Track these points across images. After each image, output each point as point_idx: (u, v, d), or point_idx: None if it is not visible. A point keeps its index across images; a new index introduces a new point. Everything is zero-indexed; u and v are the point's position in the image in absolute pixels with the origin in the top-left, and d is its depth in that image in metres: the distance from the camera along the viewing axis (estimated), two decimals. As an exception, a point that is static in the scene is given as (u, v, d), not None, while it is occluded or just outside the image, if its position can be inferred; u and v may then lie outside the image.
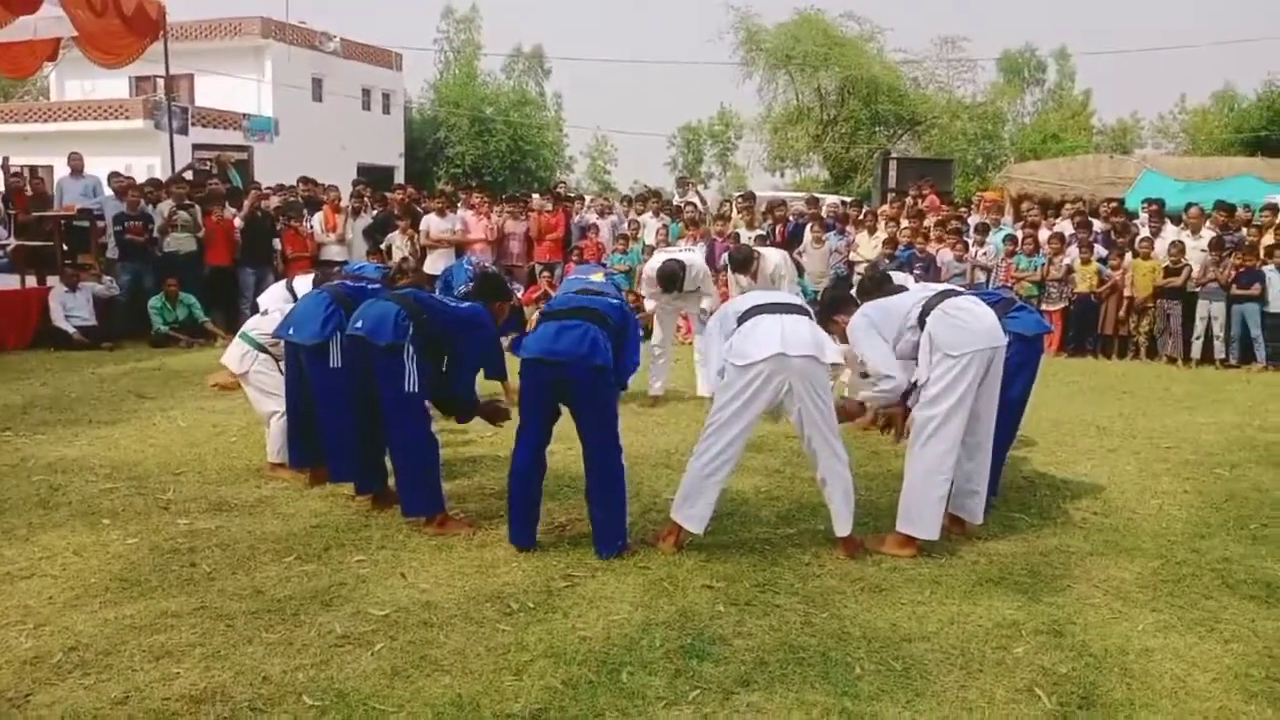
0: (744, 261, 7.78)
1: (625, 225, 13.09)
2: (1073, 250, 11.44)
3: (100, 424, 6.92)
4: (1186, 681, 3.27)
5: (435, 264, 11.28)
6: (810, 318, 4.45)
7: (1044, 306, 11.02)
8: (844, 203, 15.54)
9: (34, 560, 4.22)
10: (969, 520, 4.65)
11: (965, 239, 11.82)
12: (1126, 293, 11.08)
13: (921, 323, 4.42)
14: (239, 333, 5.81)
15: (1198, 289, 10.76)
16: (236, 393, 5.99)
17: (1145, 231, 11.54)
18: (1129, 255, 11.21)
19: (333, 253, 12.00)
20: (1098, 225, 12.13)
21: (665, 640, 3.48)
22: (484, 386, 5.76)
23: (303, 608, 3.73)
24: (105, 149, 21.15)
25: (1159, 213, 11.84)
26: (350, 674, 3.22)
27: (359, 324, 4.57)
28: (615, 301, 4.60)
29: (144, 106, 26.21)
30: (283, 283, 6.32)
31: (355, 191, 13.39)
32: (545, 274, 12.55)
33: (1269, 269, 10.50)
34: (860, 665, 3.33)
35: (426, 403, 4.66)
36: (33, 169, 16.22)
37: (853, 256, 11.93)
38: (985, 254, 11.78)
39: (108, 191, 12.13)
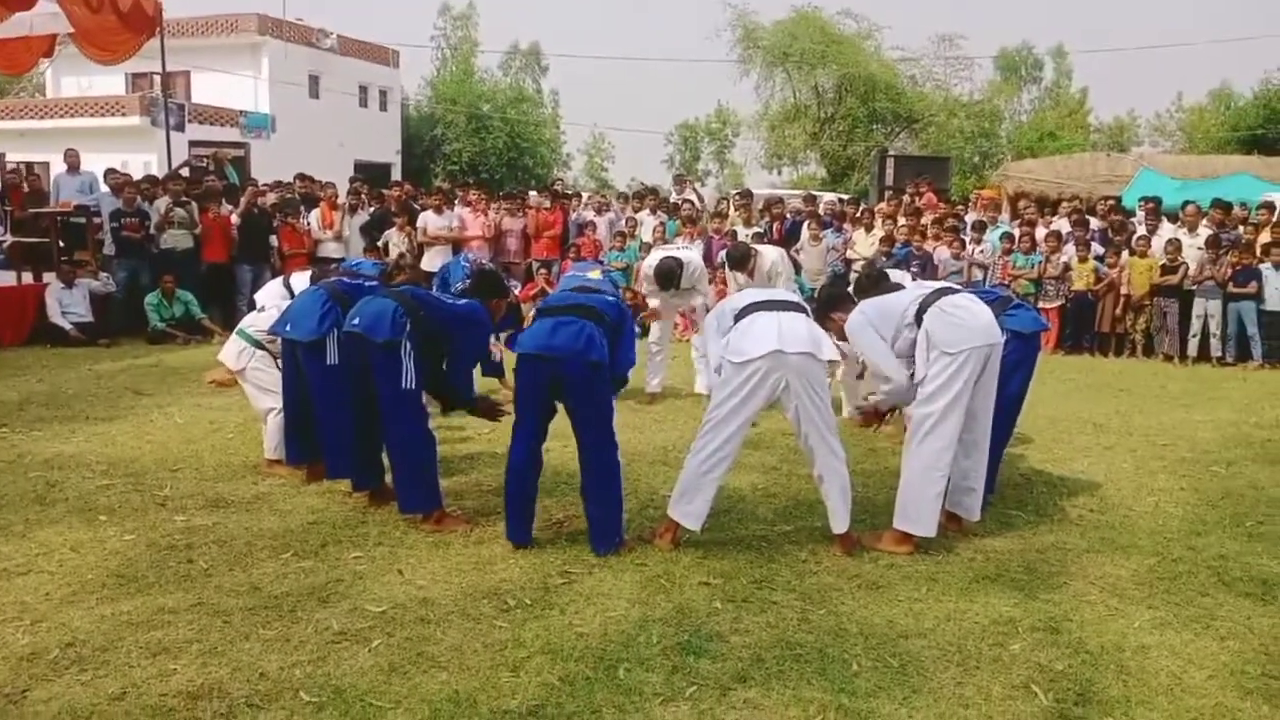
0: (741, 259, 7.78)
1: (622, 222, 13.08)
2: (1069, 248, 11.46)
3: (97, 420, 6.91)
4: (1182, 678, 3.28)
5: (432, 261, 11.27)
6: (807, 315, 4.46)
7: (1041, 304, 11.03)
8: (841, 200, 15.53)
9: (31, 556, 4.22)
10: (966, 517, 4.66)
11: (962, 237, 11.82)
12: (1123, 290, 11.09)
13: (918, 320, 4.42)
14: (236, 329, 5.81)
15: (1194, 287, 10.77)
16: (233, 389, 5.98)
17: (1142, 229, 11.55)
18: (1126, 253, 11.22)
19: (330, 250, 11.99)
20: (1095, 223, 12.15)
21: (662, 637, 3.49)
22: (481, 384, 5.77)
23: (300, 604, 3.74)
24: (102, 146, 21.09)
25: (1156, 211, 11.86)
26: (347, 670, 3.22)
27: (356, 321, 4.57)
28: (611, 299, 4.60)
29: (140, 103, 26.13)
30: (280, 279, 6.32)
31: (352, 188, 13.37)
32: (542, 271, 12.55)
33: (1265, 267, 10.51)
34: (857, 662, 3.34)
35: (424, 399, 4.66)
36: (29, 165, 16.20)
37: (850, 254, 11.92)
38: (982, 252, 11.78)
39: (104, 188, 12.12)
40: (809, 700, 3.07)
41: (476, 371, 5.44)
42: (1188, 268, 10.82)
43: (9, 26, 11.64)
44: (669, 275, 7.36)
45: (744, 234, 11.47)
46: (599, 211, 13.61)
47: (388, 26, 77.13)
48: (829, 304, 4.88)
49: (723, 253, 9.03)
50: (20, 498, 5.07)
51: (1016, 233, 11.87)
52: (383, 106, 35.68)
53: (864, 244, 11.89)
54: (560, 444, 4.82)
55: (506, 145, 38.19)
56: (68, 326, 10.54)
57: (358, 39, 34.40)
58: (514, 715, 2.96)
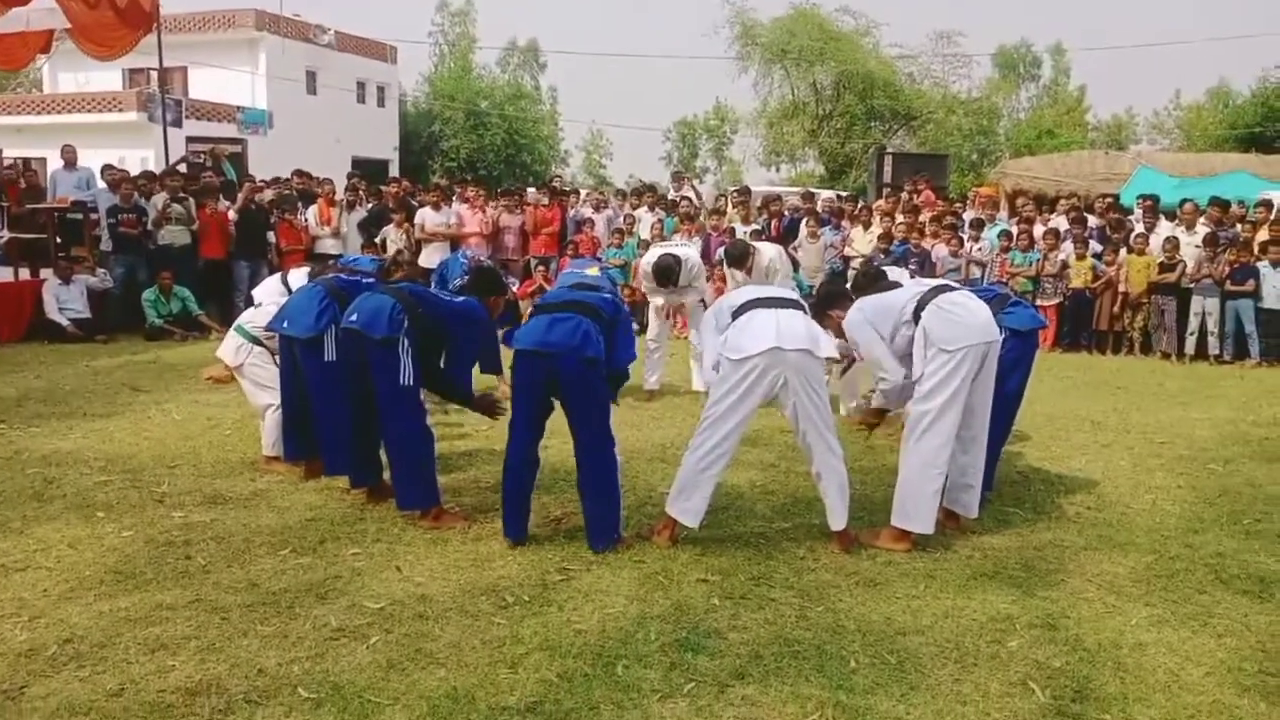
0: (739, 256, 7.78)
1: (621, 219, 13.07)
2: (1068, 246, 11.46)
3: (95, 417, 6.91)
4: (1180, 675, 3.29)
5: (430, 258, 11.26)
6: (805, 312, 4.46)
7: (1039, 302, 11.04)
8: (839, 198, 15.53)
9: (29, 553, 4.22)
10: (964, 514, 4.66)
11: (960, 234, 11.83)
12: (1121, 288, 11.10)
13: (916, 318, 4.42)
14: (234, 325, 5.80)
15: (1192, 285, 10.78)
16: (231, 386, 5.97)
17: (1140, 227, 11.56)
18: (1124, 251, 11.23)
19: (327, 246, 11.98)
20: (1093, 221, 12.15)
21: (660, 634, 3.49)
22: (479, 381, 5.77)
23: (298, 601, 3.74)
24: (99, 141, 21.07)
25: (1154, 209, 11.87)
26: (345, 666, 3.22)
27: (354, 317, 4.57)
28: (608, 295, 4.61)
29: (137, 99, 26.10)
30: (277, 276, 6.31)
31: (350, 185, 13.36)
32: (540, 268, 12.53)
33: (1263, 265, 10.52)
34: (855, 659, 3.34)
35: (422, 396, 4.65)
36: (26, 161, 16.11)
37: (848, 251, 11.93)
38: (980, 249, 11.79)
39: (101, 184, 12.11)
40: (807, 697, 3.08)
41: (475, 368, 5.44)
42: (1185, 266, 10.83)
43: (6, 22, 11.63)
44: (667, 272, 7.36)
45: (742, 231, 11.46)
46: (597, 208, 13.60)
47: (385, 22, 76.92)
48: (827, 301, 4.88)
49: (721, 250, 9.03)
50: (18, 494, 5.07)
51: (1014, 230, 11.87)
52: (380, 103, 35.66)
53: (862, 241, 11.89)
54: (559, 441, 4.82)
55: (504, 142, 38.17)
56: (65, 323, 10.53)
57: (355, 35, 34.37)
58: (512, 712, 2.96)
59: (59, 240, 11.40)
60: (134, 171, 13.47)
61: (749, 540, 4.49)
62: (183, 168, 13.56)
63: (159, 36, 13.52)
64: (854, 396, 6.96)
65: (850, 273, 8.09)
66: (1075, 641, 3.52)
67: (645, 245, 11.09)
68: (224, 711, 2.94)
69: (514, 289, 9.58)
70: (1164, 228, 11.49)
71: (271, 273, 8.66)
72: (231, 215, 11.97)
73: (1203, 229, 11.10)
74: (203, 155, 15.01)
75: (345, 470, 5.05)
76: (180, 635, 3.43)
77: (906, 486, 4.39)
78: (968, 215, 12.67)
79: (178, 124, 21.09)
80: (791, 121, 36.79)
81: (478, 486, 5.28)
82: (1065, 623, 3.67)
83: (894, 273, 5.86)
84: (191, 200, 11.71)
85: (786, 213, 13.06)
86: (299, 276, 5.83)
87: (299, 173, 13.78)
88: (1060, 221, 12.14)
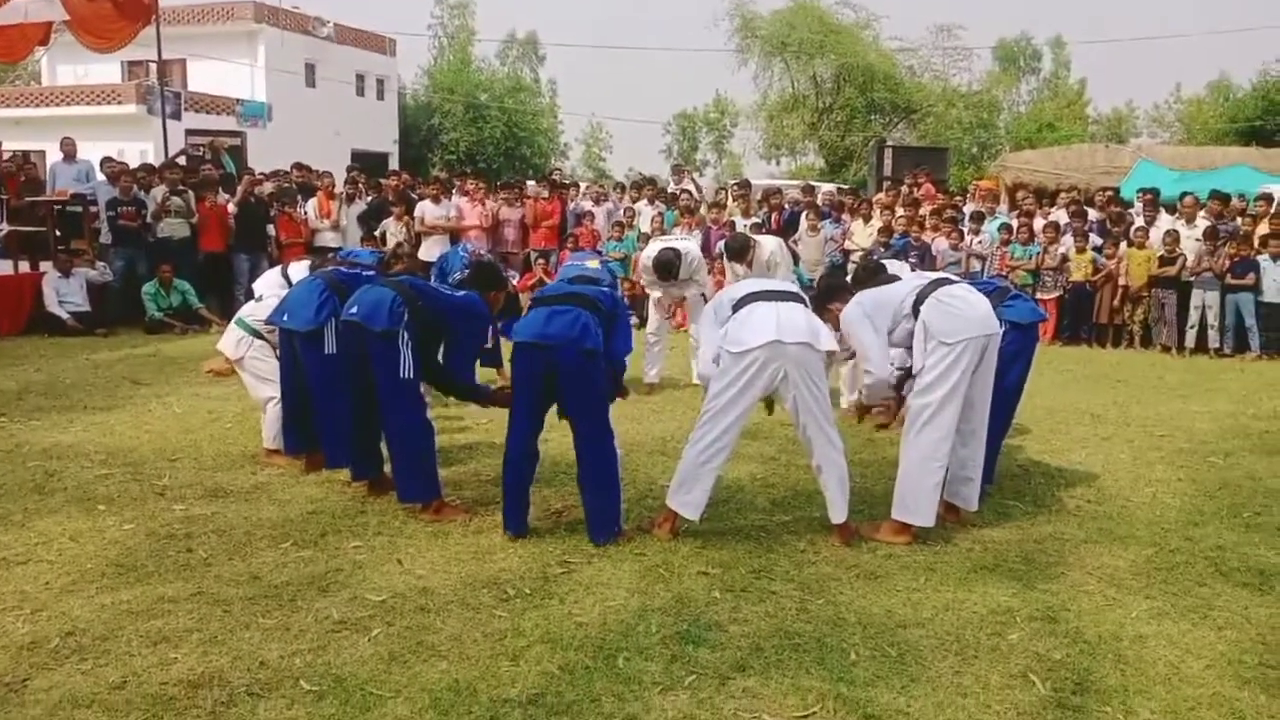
0: (739, 249, 7.77)
1: (621, 213, 13.06)
2: (1068, 239, 11.45)
3: (95, 410, 6.91)
4: (1180, 668, 3.29)
5: (430, 251, 11.25)
6: (806, 305, 4.46)
7: (1039, 295, 11.03)
8: (839, 191, 15.53)
9: (30, 546, 4.22)
10: (964, 507, 4.67)
11: (960, 227, 11.81)
12: (1121, 282, 11.10)
13: (916, 311, 4.42)
14: (234, 319, 5.80)
15: (1192, 278, 10.78)
16: (232, 379, 5.98)
17: (1140, 221, 11.55)
18: (1124, 244, 11.22)
19: (327, 239, 11.98)
20: (1093, 214, 12.14)
21: (661, 626, 3.49)
22: (479, 374, 5.76)
23: (300, 593, 3.74)
24: (98, 134, 20.99)
25: (1154, 202, 11.86)
26: (347, 659, 3.23)
27: (354, 310, 4.57)
28: (607, 288, 4.61)
29: (136, 91, 26.05)
30: (278, 269, 6.31)
31: (350, 178, 13.34)
32: (540, 261, 12.53)
33: (1263, 258, 10.52)
34: (855, 651, 3.35)
35: (422, 388, 4.66)
36: (25, 154, 16.09)
37: (848, 245, 11.93)
38: (980, 242, 11.78)
39: (100, 177, 12.07)
40: (807, 689, 3.08)
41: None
42: (1186, 259, 10.82)
43: (4, 14, 11.59)
44: (667, 266, 7.36)
45: (742, 224, 11.44)
46: (597, 201, 13.58)
47: (384, 15, 76.95)
48: (827, 295, 4.87)
49: (721, 243, 9.02)
50: (19, 487, 5.07)
51: (1015, 224, 11.87)
52: (379, 95, 35.59)
53: (862, 235, 11.89)
54: (559, 434, 4.81)
55: (504, 135, 38.11)
56: (65, 316, 10.52)
57: (354, 27, 34.29)
58: (513, 704, 2.97)
59: (58, 233, 11.38)
60: (133, 164, 13.43)
61: (750, 533, 4.50)
62: (182, 160, 13.52)
63: (158, 29, 13.48)
64: (855, 390, 6.96)
65: (850, 266, 8.09)
66: (1075, 634, 3.52)
67: (645, 238, 11.07)
68: (226, 704, 2.95)
69: (514, 282, 9.58)
70: (1164, 221, 11.49)
71: (271, 266, 8.64)
72: (231, 208, 11.96)
73: (1203, 222, 11.10)
74: (202, 148, 14.97)
75: (346, 463, 5.05)
76: (182, 628, 3.44)
77: (907, 480, 4.40)
78: (968, 208, 12.66)
79: (177, 116, 21.10)
80: (791, 115, 36.78)
81: (478, 479, 5.28)
82: (1065, 615, 3.67)
83: (894, 266, 5.86)
84: (191, 193, 11.69)
85: (787, 206, 13.05)
86: (299, 269, 5.84)
87: (298, 166, 13.76)
88: (1060, 215, 12.13)
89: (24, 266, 11.04)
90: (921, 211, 12.31)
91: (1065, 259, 11.35)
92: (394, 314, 4.46)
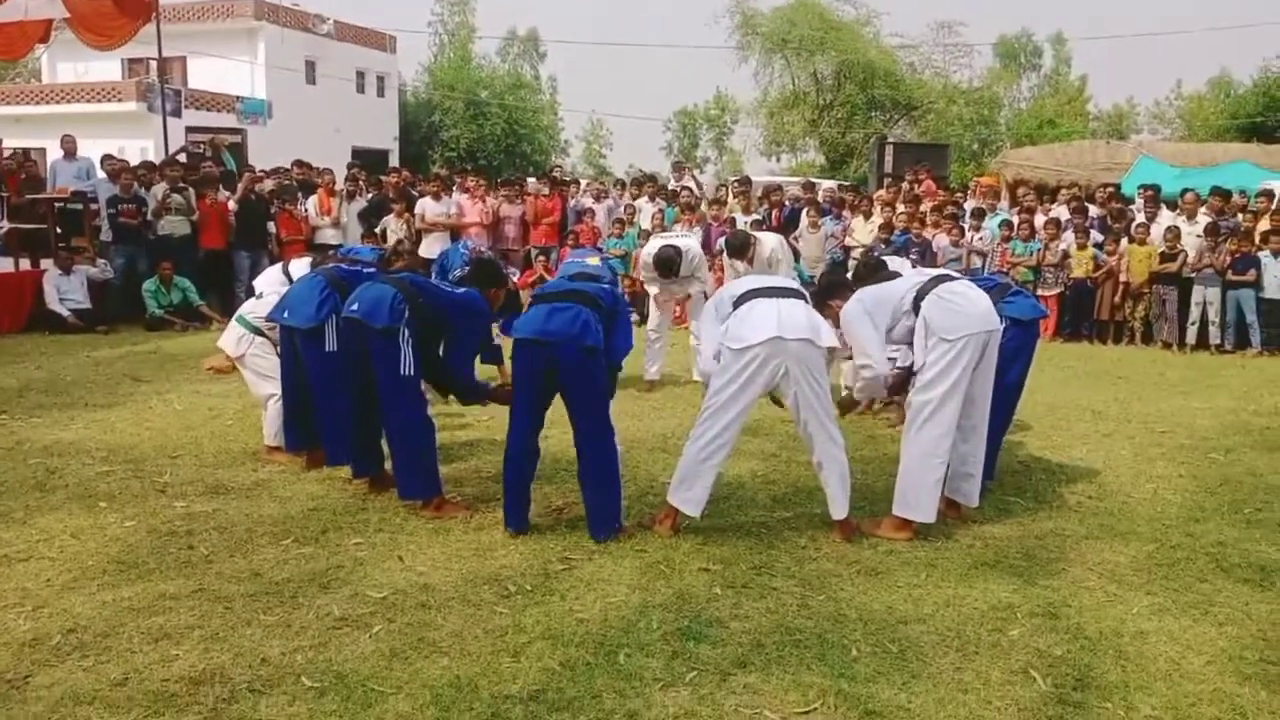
0: (740, 246, 7.76)
1: (621, 210, 13.05)
2: (1068, 235, 11.44)
3: (96, 407, 6.91)
4: (1181, 664, 3.30)
5: (430, 248, 11.24)
6: (806, 302, 4.46)
7: (1040, 291, 11.02)
8: (840, 187, 15.51)
9: (31, 543, 4.23)
10: (965, 504, 4.67)
11: (961, 224, 11.80)
12: (1122, 278, 11.09)
13: (916, 308, 4.42)
14: (235, 316, 5.80)
15: (1193, 275, 10.77)
16: (232, 376, 5.98)
17: (1141, 217, 11.54)
18: (1125, 241, 11.21)
19: (328, 236, 11.96)
20: (1094, 211, 12.13)
21: (662, 622, 3.50)
22: (479, 371, 5.76)
23: (301, 590, 3.74)
24: (98, 131, 21.01)
25: (1155, 198, 11.85)
26: (349, 656, 3.23)
27: (355, 307, 4.57)
28: (607, 285, 4.61)
29: (137, 89, 26.07)
30: (279, 266, 6.29)
31: (350, 175, 13.32)
32: (541, 258, 12.53)
33: (1264, 255, 10.51)
34: (856, 647, 3.35)
35: (423, 385, 4.66)
36: (25, 151, 16.07)
37: (849, 241, 11.91)
38: (981, 239, 11.77)
39: (101, 174, 12.07)
40: (808, 685, 3.09)
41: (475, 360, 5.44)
42: (1187, 255, 10.81)
43: (4, 11, 11.59)
44: (668, 263, 7.35)
45: (743, 221, 11.44)
46: (597, 198, 13.57)
47: (384, 11, 76.75)
48: (828, 291, 4.88)
49: (721, 240, 9.02)
50: (20, 484, 5.07)
51: (1015, 220, 11.86)
52: (380, 92, 35.59)
53: (863, 231, 11.87)
54: (559, 431, 4.82)
55: (504, 132, 38.11)
56: (65, 313, 10.52)
57: (354, 24, 34.29)
58: (515, 700, 2.97)
59: (59, 230, 11.39)
60: (133, 161, 13.45)
61: (750, 529, 4.50)
62: (182, 158, 13.52)
63: (158, 26, 13.48)
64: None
65: (851, 263, 8.09)
66: (1076, 630, 3.52)
67: (646, 235, 11.07)
68: (227, 700, 2.95)
69: (515, 279, 9.57)
70: (1165, 217, 11.48)
71: (272, 263, 8.64)
72: (231, 205, 11.95)
73: (1204, 219, 11.09)
74: (202, 145, 14.96)
75: (347, 460, 5.06)
76: (183, 625, 3.44)
77: (908, 476, 4.40)
78: (969, 205, 12.64)
79: (177, 114, 21.05)
80: (792, 111, 36.78)
81: (479, 476, 5.28)
82: (1066, 611, 3.67)
83: (895, 263, 5.85)
84: (191, 190, 11.69)
85: (787, 203, 13.03)
86: (300, 266, 5.83)
87: (299, 163, 13.75)
88: (1061, 211, 12.11)
89: (25, 264, 11.05)
90: (922, 208, 12.29)
91: (1066, 255, 11.34)
92: (394, 311, 4.46)
